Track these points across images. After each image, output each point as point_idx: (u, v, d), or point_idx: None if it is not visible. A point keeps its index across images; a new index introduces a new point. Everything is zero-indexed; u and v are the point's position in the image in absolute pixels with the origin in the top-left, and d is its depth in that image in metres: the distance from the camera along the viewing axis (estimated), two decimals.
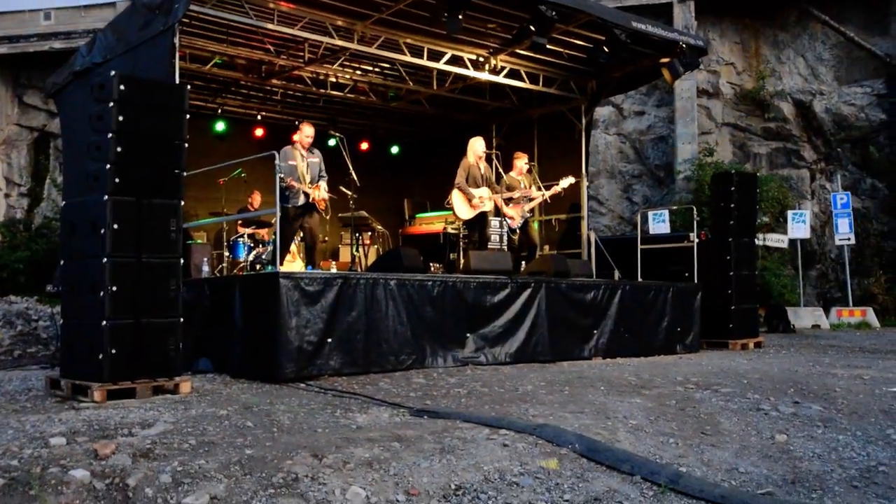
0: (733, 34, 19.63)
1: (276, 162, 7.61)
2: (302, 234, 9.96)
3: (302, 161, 9.63)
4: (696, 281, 11.06)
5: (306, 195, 9.54)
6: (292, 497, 3.74)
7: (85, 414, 5.33)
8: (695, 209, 12.29)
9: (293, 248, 10.81)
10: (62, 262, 6.51)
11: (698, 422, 5.61)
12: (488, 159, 11.37)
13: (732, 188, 11.06)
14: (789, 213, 17.07)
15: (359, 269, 10.59)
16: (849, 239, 17.18)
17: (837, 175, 18.63)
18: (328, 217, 10.30)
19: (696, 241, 11.32)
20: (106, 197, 5.86)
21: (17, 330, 11.13)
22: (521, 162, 11.32)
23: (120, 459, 4.08)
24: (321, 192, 9.63)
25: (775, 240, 17.05)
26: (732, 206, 11.05)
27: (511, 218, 11.08)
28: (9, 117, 19.89)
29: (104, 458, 4.10)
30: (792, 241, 17.16)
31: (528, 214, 11.42)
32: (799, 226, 16.85)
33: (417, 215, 14.22)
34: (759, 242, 14.77)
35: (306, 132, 9.76)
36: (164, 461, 4.09)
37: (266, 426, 5.01)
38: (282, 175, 9.27)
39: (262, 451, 4.31)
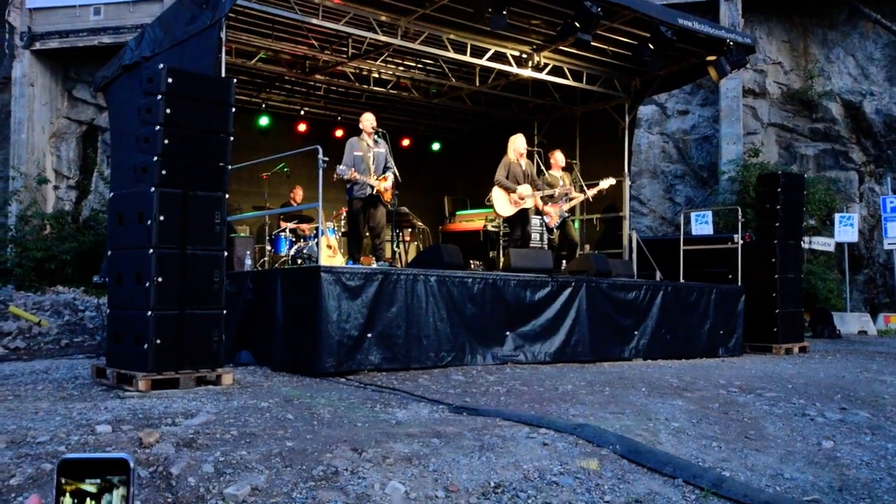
0: (781, 32, 19.27)
1: (320, 157, 7.64)
2: (366, 227, 9.88)
3: (368, 151, 9.67)
4: (739, 283, 10.89)
5: (371, 186, 9.57)
6: (332, 490, 3.75)
7: (130, 403, 5.42)
8: (739, 210, 12.09)
9: (334, 242, 10.87)
10: (109, 253, 6.62)
11: (742, 426, 5.52)
12: (530, 156, 11.30)
13: (779, 189, 10.86)
14: (836, 216, 16.71)
15: (399, 266, 10.61)
16: None
17: (888, 178, 18.20)
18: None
19: (741, 242, 11.15)
20: (153, 189, 5.94)
21: (65, 320, 11.36)
22: (557, 159, 11.30)
23: (163, 448, 4.13)
24: (386, 184, 9.66)
25: (822, 243, 16.70)
26: (778, 207, 10.84)
27: (549, 216, 11.02)
28: (59, 111, 20.29)
29: (148, 446, 4.15)
30: (839, 245, 16.80)
31: (567, 214, 11.34)
32: (846, 229, 16.49)
33: (458, 212, 14.20)
34: (805, 246, 14.50)
35: (368, 119, 9.81)
36: (206, 451, 4.13)
37: (306, 419, 5.04)
38: (343, 168, 9.32)
39: (303, 443, 4.33)
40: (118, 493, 0.83)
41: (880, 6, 18.42)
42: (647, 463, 4.39)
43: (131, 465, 0.85)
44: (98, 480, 0.84)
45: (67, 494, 0.83)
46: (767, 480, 4.40)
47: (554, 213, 11.01)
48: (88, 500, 0.83)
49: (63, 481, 0.84)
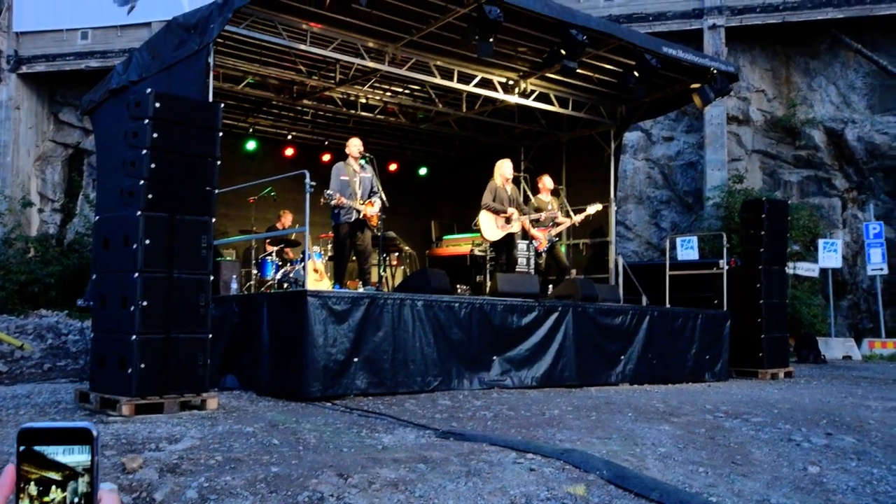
0: (764, 61, 19.54)
1: (308, 182, 7.66)
2: (353, 252, 9.88)
3: (354, 176, 9.68)
4: (725, 308, 10.94)
5: (358, 211, 9.57)
6: None
7: (113, 428, 5.36)
8: (724, 236, 12.18)
9: (320, 266, 10.85)
10: (94, 276, 6.58)
11: (728, 451, 5.52)
12: (516, 182, 11.35)
13: (763, 215, 10.95)
14: (820, 241, 16.86)
15: (386, 290, 10.59)
16: (881, 269, 16.92)
17: (870, 204, 18.39)
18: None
19: (726, 268, 11.21)
20: (139, 212, 5.93)
21: (48, 343, 11.25)
22: (545, 183, 11.37)
23: (147, 474, 4.08)
24: (373, 209, 9.66)
25: (806, 269, 16.82)
26: (763, 233, 10.93)
27: (538, 240, 11.05)
28: (44, 134, 20.25)
29: (132, 471, 4.11)
30: (823, 271, 16.92)
31: (555, 238, 11.39)
32: (830, 255, 16.63)
33: (444, 237, 14.23)
34: (789, 271, 14.60)
35: (354, 144, 9.83)
36: (190, 476, 4.09)
37: (292, 444, 5.00)
38: (330, 192, 9.32)
39: (288, 469, 4.29)
40: (83, 481, 0.83)
41: (861, 36, 18.73)
42: (634, 488, 4.37)
43: (95, 433, 0.84)
44: (64, 470, 0.83)
45: (32, 483, 0.82)
46: None
47: (542, 238, 11.05)
48: (54, 487, 0.83)
49: (26, 469, 0.83)
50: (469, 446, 5.08)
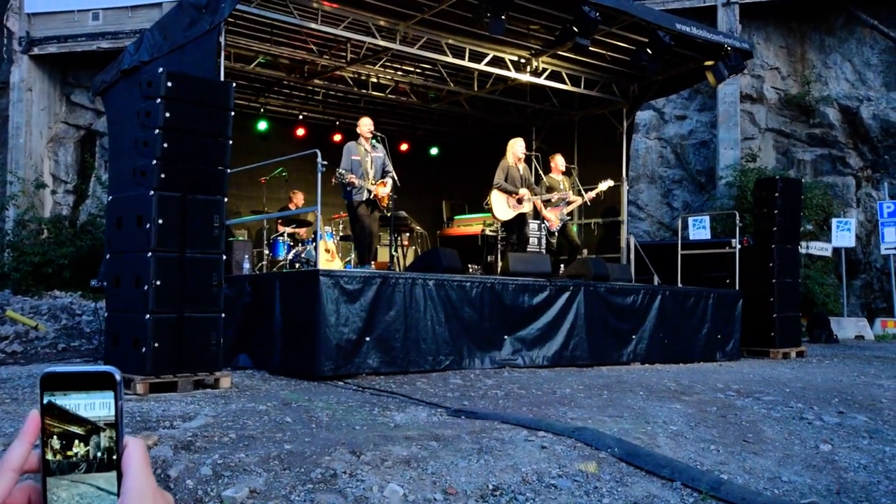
0: (778, 38, 19.33)
1: (320, 161, 7.65)
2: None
3: (365, 156, 9.67)
4: (737, 288, 10.91)
5: (369, 191, 9.57)
6: (330, 493, 3.75)
7: (128, 406, 5.41)
8: (737, 215, 12.11)
9: (332, 246, 10.87)
10: (107, 257, 6.61)
11: (740, 429, 5.53)
12: (528, 161, 11.31)
13: (776, 194, 10.88)
14: (834, 221, 16.74)
15: (397, 269, 10.61)
16: (895, 249, 16.80)
17: (884, 183, 18.23)
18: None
19: (738, 247, 11.16)
20: (152, 192, 5.95)
21: (62, 324, 11.35)
22: (558, 162, 11.33)
23: (162, 451, 4.13)
24: (385, 189, 9.65)
25: (819, 248, 16.71)
26: (776, 212, 10.86)
27: (550, 221, 11.03)
28: (56, 115, 20.29)
29: (146, 449, 4.14)
30: (836, 250, 16.82)
31: (567, 217, 11.36)
32: (843, 234, 16.51)
33: (456, 217, 14.22)
34: (802, 251, 14.52)
35: (365, 123, 9.82)
36: (204, 454, 4.13)
37: (304, 422, 5.04)
38: (342, 172, 9.33)
39: (301, 446, 4.33)
40: (105, 435, 0.83)
41: (877, 12, 18.49)
42: (645, 466, 4.39)
43: (118, 378, 0.84)
44: (86, 424, 0.83)
45: (55, 437, 0.83)
46: (766, 483, 4.41)
47: (554, 218, 11.03)
48: (77, 441, 0.83)
49: (49, 422, 0.83)
50: (481, 424, 5.11)
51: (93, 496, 0.82)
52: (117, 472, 0.82)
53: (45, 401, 0.83)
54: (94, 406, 0.83)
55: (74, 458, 0.82)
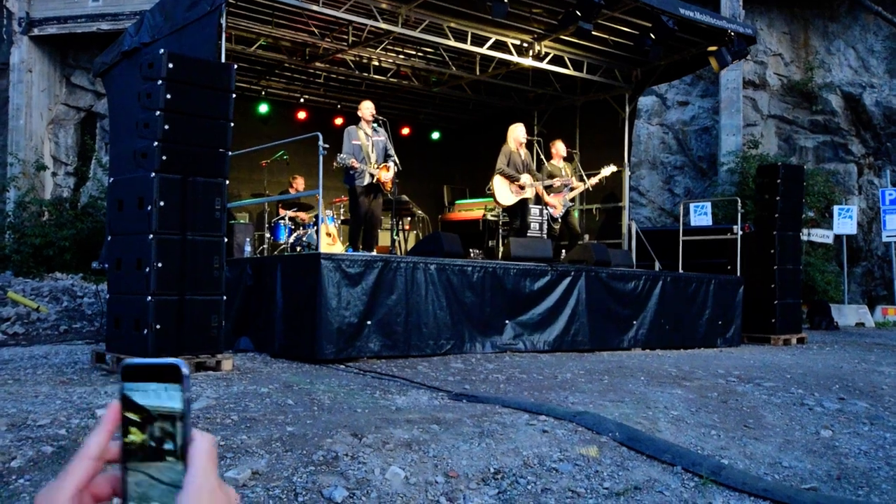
0: (782, 24, 19.23)
1: (321, 144, 7.63)
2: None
3: (367, 140, 9.63)
4: (738, 274, 10.91)
5: (371, 175, 9.54)
6: (332, 475, 3.76)
7: None
8: (739, 201, 12.10)
9: (333, 230, 10.85)
10: (109, 238, 6.60)
11: (741, 415, 5.53)
12: (529, 146, 11.26)
13: (778, 180, 10.86)
14: (835, 208, 16.72)
15: (399, 254, 10.60)
16: None
17: (887, 170, 18.20)
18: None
19: (740, 233, 11.15)
20: (153, 174, 5.93)
21: (63, 306, 11.36)
22: (559, 148, 11.31)
23: None
24: (388, 174, 9.62)
25: (820, 235, 16.71)
26: (778, 198, 10.85)
27: (553, 207, 11.02)
28: (57, 97, 20.21)
29: None
30: (837, 237, 16.81)
31: (570, 203, 11.35)
32: (845, 221, 16.49)
33: (457, 202, 14.20)
34: (803, 238, 14.51)
35: (367, 107, 9.78)
36: None
37: (306, 405, 5.04)
38: (343, 156, 9.31)
39: (303, 428, 4.34)
40: (173, 427, 0.83)
41: None
42: (646, 450, 4.40)
43: (185, 371, 0.84)
44: (159, 416, 0.83)
45: (131, 427, 0.83)
46: (766, 468, 4.42)
47: (558, 204, 11.01)
48: (147, 432, 0.84)
49: (125, 413, 0.84)
50: (482, 408, 5.11)
51: (159, 487, 0.83)
52: (183, 465, 0.83)
53: (122, 392, 0.84)
54: (164, 397, 0.84)
55: (145, 449, 0.83)
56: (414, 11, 10.28)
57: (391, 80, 13.01)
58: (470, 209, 13.42)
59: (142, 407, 0.83)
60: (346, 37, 11.16)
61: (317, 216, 8.87)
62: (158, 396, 0.83)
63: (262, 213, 11.76)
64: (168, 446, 0.83)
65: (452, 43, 10.84)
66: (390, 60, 12.46)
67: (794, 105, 19.23)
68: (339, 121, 13.86)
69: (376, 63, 12.55)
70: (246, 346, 7.79)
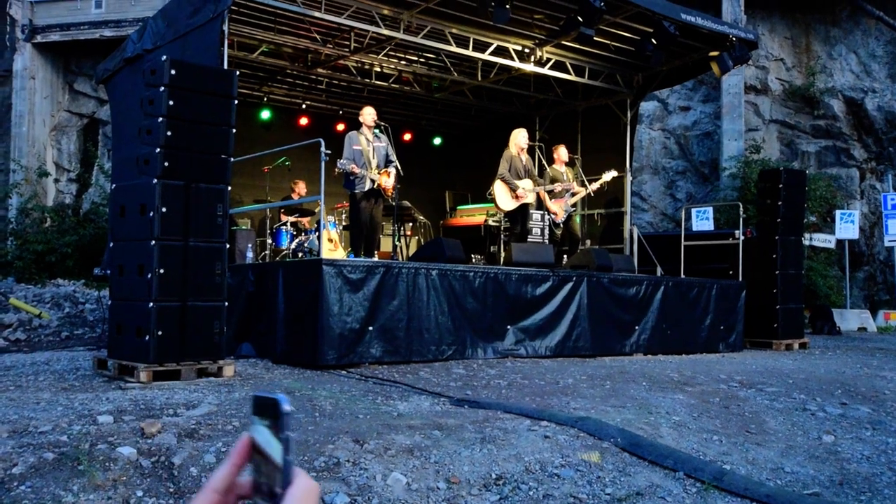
0: (783, 29, 19.25)
1: (323, 150, 7.64)
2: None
3: (368, 145, 9.65)
4: (740, 279, 10.90)
5: (372, 181, 9.55)
6: (334, 481, 3.76)
7: (131, 394, 5.42)
8: (741, 206, 12.09)
9: (335, 236, 10.86)
10: (111, 245, 6.61)
11: (743, 420, 5.53)
12: (531, 151, 11.27)
13: (780, 185, 10.85)
14: (837, 212, 16.71)
15: (400, 259, 10.61)
16: None
17: (889, 175, 18.19)
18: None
19: (742, 238, 11.15)
20: (155, 180, 5.94)
21: (65, 312, 11.36)
22: (561, 154, 11.32)
23: (165, 438, 4.13)
24: (389, 180, 9.63)
25: (822, 240, 16.70)
26: (780, 203, 10.84)
27: (555, 213, 11.03)
28: (59, 104, 20.26)
29: (150, 436, 4.16)
30: (839, 242, 16.80)
31: (572, 209, 11.36)
32: (847, 226, 16.48)
33: (459, 207, 14.20)
34: (805, 242, 14.50)
35: (368, 113, 9.80)
36: (208, 441, 4.14)
37: (308, 411, 5.04)
38: (343, 161, 9.33)
39: (305, 434, 4.34)
40: (279, 466, 0.85)
41: (883, 3, 18.41)
42: (648, 456, 4.40)
43: (284, 409, 0.86)
44: (269, 455, 0.85)
45: (254, 464, 0.85)
46: (768, 474, 4.41)
47: (560, 210, 11.02)
48: (262, 470, 0.85)
49: (255, 453, 0.85)
50: (484, 414, 5.11)
51: None
52: None
53: (253, 427, 0.87)
54: (272, 443, 0.86)
55: (260, 490, 0.85)
56: (416, 17, 10.30)
57: (393, 85, 13.04)
58: (472, 215, 13.43)
59: (260, 446, 0.84)
60: (348, 43, 11.18)
61: (319, 222, 8.88)
62: (269, 443, 0.84)
63: (264, 219, 11.76)
64: (277, 489, 0.84)
65: (454, 49, 10.85)
66: (392, 66, 12.49)
67: (796, 110, 19.24)
68: (340, 127, 13.88)
69: (378, 69, 12.57)
70: (248, 352, 7.79)
